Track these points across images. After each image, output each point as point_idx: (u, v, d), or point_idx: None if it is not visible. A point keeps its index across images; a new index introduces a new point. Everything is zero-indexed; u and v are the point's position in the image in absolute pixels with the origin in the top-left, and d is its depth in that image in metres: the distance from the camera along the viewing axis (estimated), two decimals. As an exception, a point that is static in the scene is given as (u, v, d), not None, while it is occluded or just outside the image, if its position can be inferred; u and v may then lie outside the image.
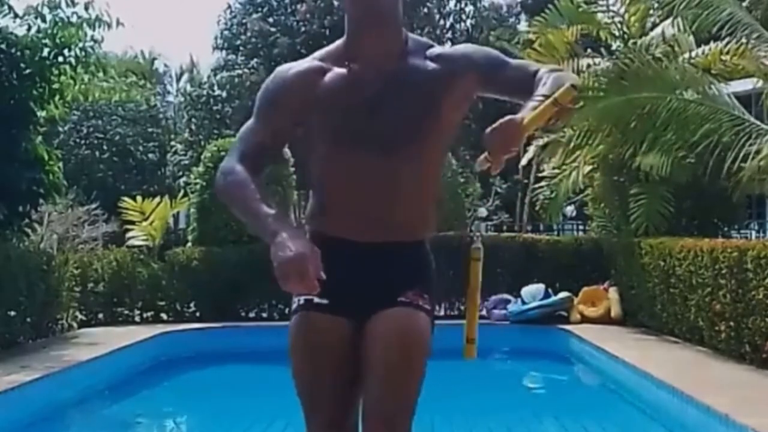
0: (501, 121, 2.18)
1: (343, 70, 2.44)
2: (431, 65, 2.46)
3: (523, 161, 12.53)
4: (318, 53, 2.52)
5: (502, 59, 2.49)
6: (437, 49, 2.51)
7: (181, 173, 19.65)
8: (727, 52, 9.35)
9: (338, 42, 2.51)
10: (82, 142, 19.96)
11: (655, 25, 10.26)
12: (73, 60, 9.16)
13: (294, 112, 2.45)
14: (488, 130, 2.19)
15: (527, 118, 2.20)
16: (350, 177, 2.42)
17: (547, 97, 2.22)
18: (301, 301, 2.48)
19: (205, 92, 20.99)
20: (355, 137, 2.39)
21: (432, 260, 2.58)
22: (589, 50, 11.05)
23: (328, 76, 2.44)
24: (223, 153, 11.39)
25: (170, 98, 30.90)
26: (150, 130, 21.66)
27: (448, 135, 2.52)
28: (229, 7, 22.44)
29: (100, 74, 9.79)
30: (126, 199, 12.31)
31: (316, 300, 2.42)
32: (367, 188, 2.41)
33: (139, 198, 12.27)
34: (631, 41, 10.53)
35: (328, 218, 2.49)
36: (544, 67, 2.45)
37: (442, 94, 2.42)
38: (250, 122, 2.50)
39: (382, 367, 2.39)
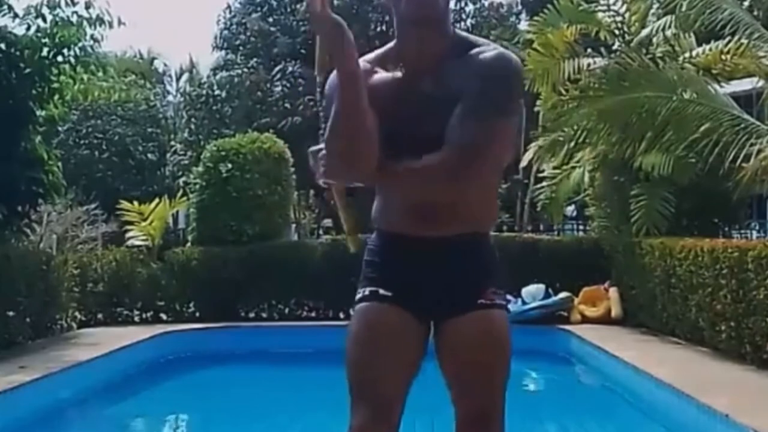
0: None
1: (389, 74, 2.46)
2: (467, 69, 2.41)
3: (523, 162, 12.50)
4: (368, 56, 2.53)
5: (474, 108, 2.33)
6: (477, 50, 2.43)
7: (180, 173, 19.61)
8: (728, 52, 9.34)
9: (389, 45, 2.53)
10: (82, 142, 19.93)
11: (654, 23, 10.23)
12: (72, 59, 9.16)
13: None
14: None
15: None
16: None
17: None
18: (366, 293, 2.53)
19: (204, 92, 20.95)
20: (406, 140, 2.38)
21: (495, 251, 2.61)
22: (589, 50, 11.03)
23: (377, 79, 2.46)
24: (222, 153, 11.41)
25: (170, 98, 30.85)
26: (149, 130, 21.62)
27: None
28: (229, 6, 22.38)
29: (100, 74, 9.79)
30: (124, 202, 12.28)
31: (381, 291, 2.49)
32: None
33: (135, 202, 12.23)
34: (630, 39, 10.52)
35: (391, 215, 2.54)
36: (448, 152, 2.31)
37: None
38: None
39: (475, 370, 2.48)
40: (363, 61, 2.48)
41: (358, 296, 2.55)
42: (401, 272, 2.50)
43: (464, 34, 2.55)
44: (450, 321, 2.49)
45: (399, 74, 2.46)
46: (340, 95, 2.32)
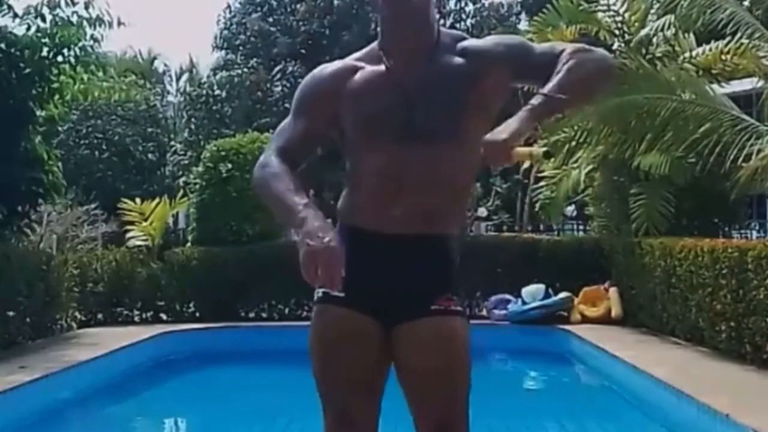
0: (485, 138, 2.23)
1: (376, 67, 2.46)
2: (459, 61, 2.46)
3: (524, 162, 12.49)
4: (355, 54, 2.55)
5: (526, 47, 2.49)
6: (465, 42, 2.51)
7: (180, 173, 19.63)
8: (728, 52, 9.35)
9: (374, 43, 2.54)
10: (82, 142, 19.93)
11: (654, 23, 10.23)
12: (72, 59, 9.16)
13: (327, 109, 2.47)
14: (482, 142, 2.24)
15: (509, 134, 2.24)
16: (384, 169, 2.40)
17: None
18: (320, 294, 2.47)
19: (204, 92, 20.96)
20: (391, 132, 2.39)
21: (457, 256, 2.53)
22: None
23: (362, 73, 2.46)
24: (222, 153, 11.42)
25: (170, 98, 30.84)
26: (149, 130, 21.61)
27: (484, 129, 2.41)
28: (229, 6, 22.41)
29: (100, 74, 9.79)
30: (125, 200, 12.30)
31: (334, 293, 2.40)
32: (402, 180, 2.39)
33: (138, 200, 12.25)
34: (630, 40, 10.52)
35: (362, 211, 2.47)
36: (569, 47, 2.41)
37: (469, 91, 2.41)
38: (287, 120, 2.55)
39: (429, 379, 2.41)
40: (349, 59, 2.53)
41: (315, 298, 2.49)
42: (355, 270, 2.34)
43: (448, 30, 2.58)
44: (402, 326, 2.41)
45: (383, 67, 2.45)
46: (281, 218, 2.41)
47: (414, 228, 2.42)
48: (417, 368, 2.41)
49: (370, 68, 2.47)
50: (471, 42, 2.53)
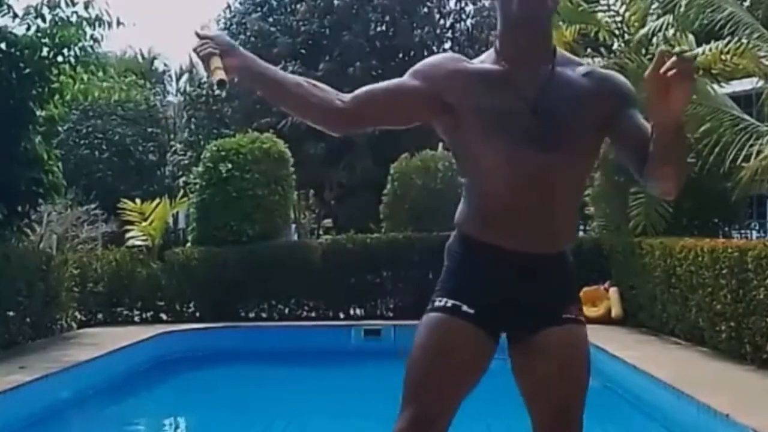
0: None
1: (493, 67, 2.44)
2: (582, 80, 2.46)
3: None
4: (475, 59, 2.54)
5: (636, 112, 2.45)
6: (587, 67, 2.53)
7: (180, 173, 19.59)
8: (728, 52, 9.33)
9: (490, 50, 2.52)
10: (82, 141, 19.90)
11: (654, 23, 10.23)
12: (72, 59, 9.16)
13: (432, 87, 2.42)
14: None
15: None
16: (508, 177, 2.38)
17: None
18: (448, 304, 2.44)
19: (204, 92, 20.92)
20: (512, 136, 2.37)
21: (574, 267, 2.58)
22: (588, 50, 11.03)
23: (478, 68, 2.45)
24: (222, 153, 11.41)
25: (170, 98, 30.80)
26: (149, 130, 21.58)
27: (596, 151, 2.51)
28: (229, 6, 22.35)
29: (100, 74, 9.79)
30: (125, 200, 12.30)
31: (465, 308, 2.42)
32: (525, 192, 2.38)
33: (138, 200, 12.25)
34: (630, 39, 10.52)
35: (483, 223, 2.46)
36: None
37: (593, 112, 2.40)
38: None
39: (552, 384, 2.48)
40: (466, 62, 2.51)
41: (437, 304, 2.45)
42: (488, 288, 2.42)
43: (563, 51, 2.57)
44: (533, 336, 2.45)
45: (506, 69, 2.42)
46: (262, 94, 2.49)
47: (537, 247, 2.42)
48: (543, 374, 2.47)
49: (487, 66, 2.46)
50: (594, 68, 2.53)
